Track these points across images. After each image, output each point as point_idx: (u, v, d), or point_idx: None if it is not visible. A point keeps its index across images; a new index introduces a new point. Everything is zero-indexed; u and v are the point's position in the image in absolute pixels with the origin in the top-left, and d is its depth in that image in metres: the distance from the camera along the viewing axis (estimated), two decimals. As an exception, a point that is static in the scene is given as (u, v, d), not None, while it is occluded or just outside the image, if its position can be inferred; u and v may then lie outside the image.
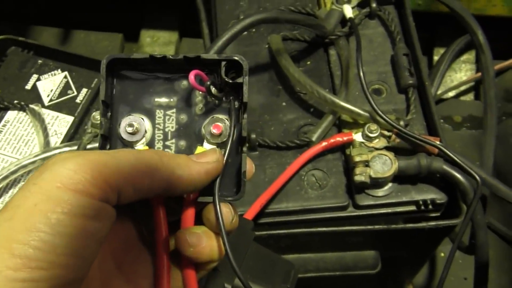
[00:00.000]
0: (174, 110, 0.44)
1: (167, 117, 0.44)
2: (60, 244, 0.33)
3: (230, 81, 0.42)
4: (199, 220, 0.42)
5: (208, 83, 0.41)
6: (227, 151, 0.42)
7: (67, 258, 0.33)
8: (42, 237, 0.32)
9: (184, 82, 0.43)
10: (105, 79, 0.42)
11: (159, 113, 0.44)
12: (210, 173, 0.40)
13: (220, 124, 0.43)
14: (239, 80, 0.42)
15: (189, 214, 0.42)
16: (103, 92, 0.42)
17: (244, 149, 0.42)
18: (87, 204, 0.34)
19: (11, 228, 0.32)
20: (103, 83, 0.42)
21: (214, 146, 0.43)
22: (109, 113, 0.43)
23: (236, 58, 0.42)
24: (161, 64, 0.43)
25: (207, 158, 0.41)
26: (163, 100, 0.44)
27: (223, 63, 0.42)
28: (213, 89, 0.42)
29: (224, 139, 0.43)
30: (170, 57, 0.42)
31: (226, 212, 0.41)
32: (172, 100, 0.44)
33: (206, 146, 0.43)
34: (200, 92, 0.43)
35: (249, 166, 0.44)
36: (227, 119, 0.43)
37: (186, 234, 0.41)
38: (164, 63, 0.43)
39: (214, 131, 0.42)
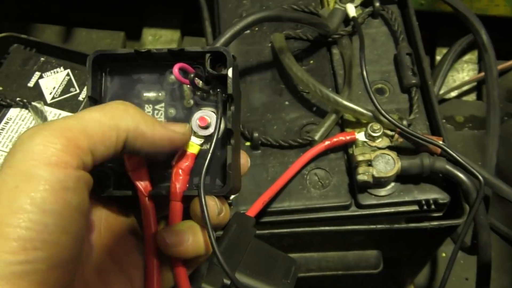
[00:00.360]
0: (162, 105, 0.44)
1: (155, 112, 0.44)
2: (50, 222, 0.33)
3: (215, 73, 0.42)
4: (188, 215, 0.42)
5: (192, 75, 0.41)
6: (212, 144, 0.42)
7: (59, 236, 0.33)
8: (31, 217, 0.32)
9: (172, 77, 0.44)
10: (91, 74, 0.42)
11: (147, 108, 0.44)
12: (173, 142, 0.40)
13: (206, 117, 0.43)
14: (224, 72, 0.42)
15: (176, 209, 0.42)
16: (89, 88, 0.42)
17: (232, 141, 0.42)
18: (64, 176, 0.34)
19: None
20: (90, 79, 0.42)
21: (202, 140, 0.43)
22: None
23: (220, 49, 0.42)
24: (147, 59, 0.43)
25: (175, 127, 0.41)
26: (152, 94, 0.44)
27: (208, 55, 0.42)
28: (200, 83, 0.42)
29: (211, 132, 0.43)
30: (155, 51, 0.42)
31: (212, 205, 0.41)
32: (160, 94, 0.44)
33: (194, 140, 0.43)
34: (189, 86, 0.43)
35: (243, 160, 0.44)
36: (214, 112, 0.43)
37: (165, 234, 0.41)
38: (150, 57, 0.43)
39: (200, 123, 0.42)
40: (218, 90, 0.43)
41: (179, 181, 0.42)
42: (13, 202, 0.33)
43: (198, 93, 0.43)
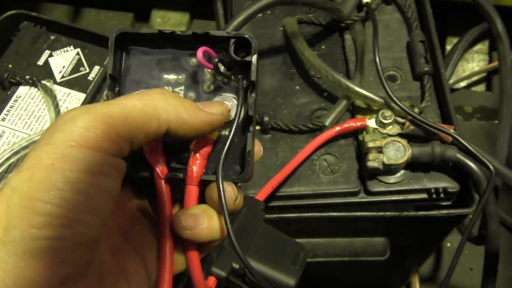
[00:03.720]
0: (182, 87, 0.44)
1: None
2: (80, 201, 0.33)
3: (239, 59, 0.42)
4: (204, 199, 0.42)
5: (216, 60, 0.41)
6: (232, 130, 0.42)
7: (87, 216, 0.34)
8: (62, 195, 0.33)
9: (193, 60, 0.43)
10: (113, 53, 0.42)
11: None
12: (214, 124, 0.40)
13: (227, 102, 0.42)
14: (248, 58, 0.42)
15: (192, 193, 0.42)
16: (110, 66, 0.42)
17: (251, 128, 0.42)
18: (101, 161, 0.34)
19: (31, 188, 0.33)
20: (111, 57, 0.42)
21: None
22: (117, 88, 0.43)
23: (245, 36, 0.41)
24: (170, 40, 0.43)
25: (212, 109, 0.40)
26: (172, 76, 0.43)
27: (232, 40, 0.42)
28: (221, 67, 0.42)
29: (231, 118, 0.42)
30: (179, 32, 0.42)
31: (229, 191, 0.41)
32: (180, 77, 0.43)
33: None
34: (209, 70, 0.43)
35: (257, 148, 0.44)
36: (235, 98, 0.43)
37: (181, 216, 0.40)
38: (173, 39, 0.42)
39: None
40: (240, 76, 0.43)
41: (196, 165, 0.41)
42: (47, 178, 0.33)
43: (219, 78, 0.43)
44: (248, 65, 0.42)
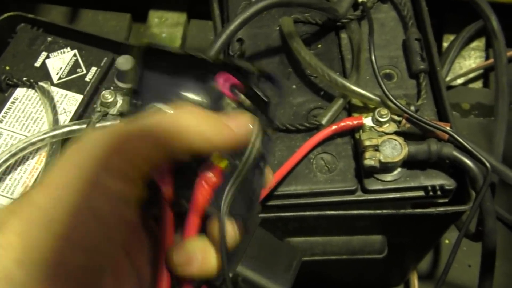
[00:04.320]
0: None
1: None
2: (101, 231, 0.33)
3: (266, 100, 0.39)
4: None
5: (243, 96, 0.39)
6: (242, 168, 0.39)
7: (106, 245, 0.34)
8: (84, 221, 0.32)
9: (216, 84, 0.40)
10: (140, 67, 0.40)
11: None
12: (234, 145, 0.37)
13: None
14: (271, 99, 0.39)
15: (193, 223, 0.40)
16: (135, 81, 0.40)
17: (261, 164, 0.39)
18: (123, 188, 0.34)
19: (55, 209, 0.32)
20: (137, 71, 0.40)
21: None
22: (139, 102, 0.40)
23: (271, 75, 0.39)
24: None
25: (238, 126, 0.37)
26: (192, 96, 0.41)
27: (256, 74, 0.39)
28: (244, 100, 0.40)
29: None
30: (210, 61, 0.39)
31: (230, 232, 0.39)
32: (200, 98, 0.41)
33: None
34: (231, 98, 0.40)
35: (269, 175, 0.41)
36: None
37: (174, 252, 0.39)
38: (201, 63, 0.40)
39: None
40: (259, 110, 0.40)
41: (202, 193, 0.39)
42: (73, 203, 0.32)
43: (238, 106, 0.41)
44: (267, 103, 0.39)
